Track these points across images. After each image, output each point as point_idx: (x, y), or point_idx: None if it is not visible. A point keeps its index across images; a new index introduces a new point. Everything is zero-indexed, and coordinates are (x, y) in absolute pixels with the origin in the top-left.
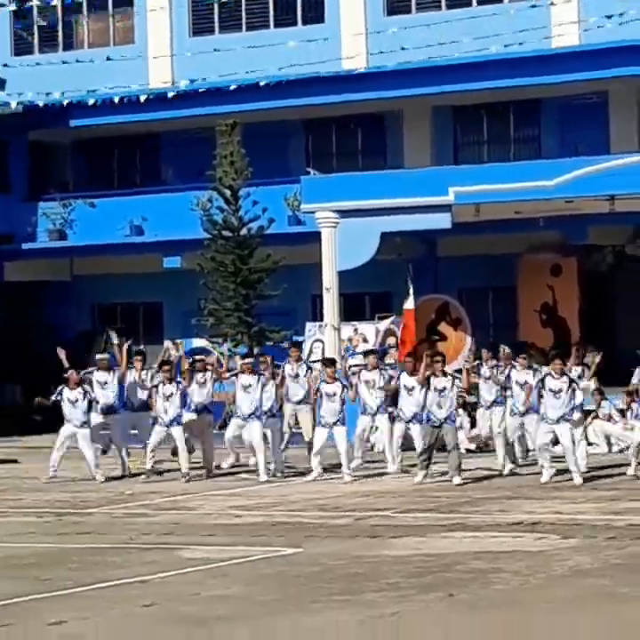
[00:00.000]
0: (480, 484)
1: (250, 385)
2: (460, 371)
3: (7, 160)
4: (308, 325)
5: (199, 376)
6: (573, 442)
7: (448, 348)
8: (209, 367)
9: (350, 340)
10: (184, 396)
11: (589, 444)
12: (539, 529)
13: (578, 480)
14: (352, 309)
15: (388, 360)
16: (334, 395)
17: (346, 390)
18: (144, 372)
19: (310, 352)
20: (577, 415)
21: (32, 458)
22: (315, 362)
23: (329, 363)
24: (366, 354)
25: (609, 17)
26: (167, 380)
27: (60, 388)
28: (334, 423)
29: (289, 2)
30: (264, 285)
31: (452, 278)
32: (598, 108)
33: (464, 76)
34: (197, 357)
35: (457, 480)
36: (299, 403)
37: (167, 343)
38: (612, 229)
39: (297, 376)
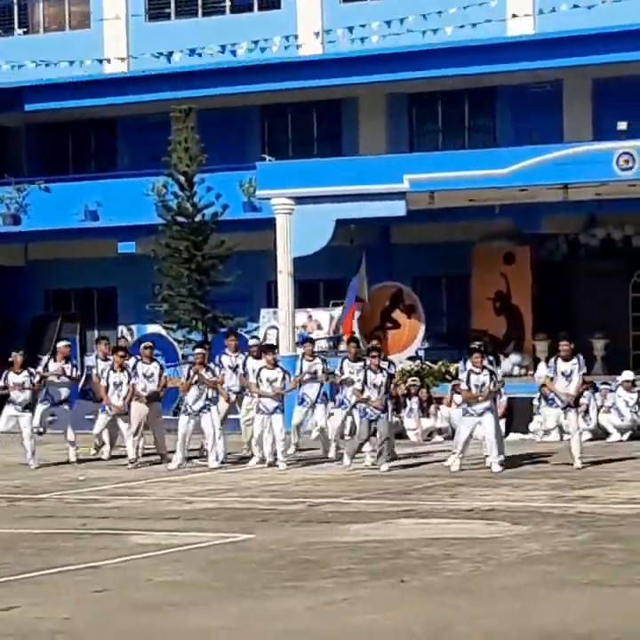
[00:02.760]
0: (432, 471)
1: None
2: (413, 357)
3: None
4: (263, 312)
5: (145, 368)
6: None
7: (401, 335)
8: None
9: (305, 326)
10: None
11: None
12: (490, 516)
13: (496, 468)
14: (306, 296)
15: (342, 348)
16: (275, 381)
17: (288, 377)
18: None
19: (264, 338)
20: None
21: None
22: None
23: (268, 349)
24: (303, 342)
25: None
26: (118, 368)
27: (5, 372)
28: (273, 411)
29: None
30: (218, 272)
31: (406, 266)
32: (552, 97)
33: (419, 63)
34: (145, 344)
35: (384, 467)
36: (237, 394)
37: (122, 328)
38: (566, 218)
39: (236, 367)
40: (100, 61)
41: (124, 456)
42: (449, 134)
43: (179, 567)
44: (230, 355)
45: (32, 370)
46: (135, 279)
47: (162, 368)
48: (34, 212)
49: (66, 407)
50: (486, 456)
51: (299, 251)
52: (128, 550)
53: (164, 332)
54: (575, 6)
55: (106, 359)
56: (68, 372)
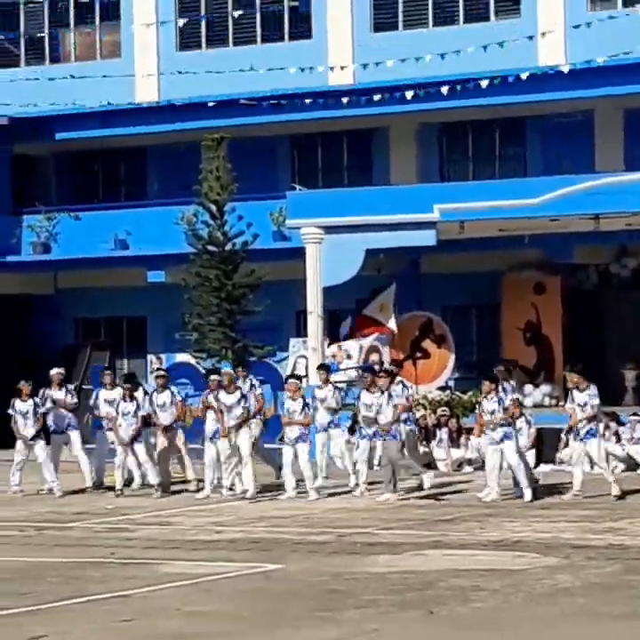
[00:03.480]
0: (461, 501)
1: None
2: (443, 387)
3: None
4: (292, 341)
5: (160, 397)
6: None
7: (431, 365)
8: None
9: (334, 356)
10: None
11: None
12: (519, 547)
13: (527, 497)
14: (336, 325)
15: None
16: (295, 412)
17: (307, 408)
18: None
19: (293, 368)
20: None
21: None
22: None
23: (293, 378)
24: (318, 368)
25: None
26: (128, 397)
27: (12, 400)
28: (297, 440)
29: (276, 17)
30: (248, 301)
31: (435, 295)
32: (584, 127)
33: (450, 93)
34: (158, 372)
35: (384, 496)
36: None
37: (151, 357)
38: (597, 248)
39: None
40: (130, 90)
41: (152, 485)
42: (479, 164)
43: (206, 597)
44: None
45: (37, 400)
46: (165, 308)
47: (173, 396)
48: (64, 241)
49: (72, 432)
50: (515, 486)
51: (328, 280)
52: (156, 580)
53: (193, 361)
54: (604, 41)
55: (111, 389)
56: (64, 399)
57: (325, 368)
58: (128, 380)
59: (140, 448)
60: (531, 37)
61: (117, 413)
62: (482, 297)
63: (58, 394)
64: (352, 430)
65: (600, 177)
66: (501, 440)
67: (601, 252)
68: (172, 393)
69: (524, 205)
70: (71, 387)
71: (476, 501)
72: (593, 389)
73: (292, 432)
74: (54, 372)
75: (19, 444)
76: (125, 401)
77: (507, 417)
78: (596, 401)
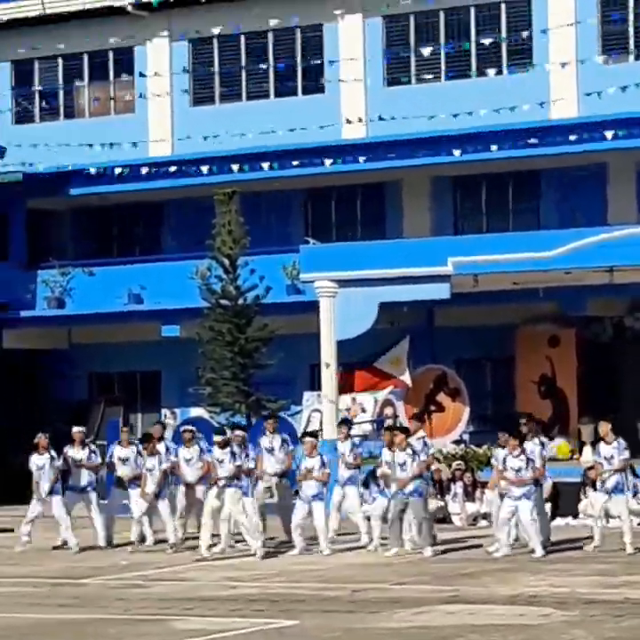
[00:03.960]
0: (476, 556)
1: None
2: (458, 441)
3: (6, 228)
4: (306, 395)
5: (186, 451)
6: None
7: (446, 418)
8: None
9: (348, 409)
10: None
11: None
12: (535, 602)
13: (539, 553)
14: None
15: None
16: (313, 469)
17: (324, 467)
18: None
19: (308, 422)
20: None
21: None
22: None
23: (309, 436)
24: (339, 424)
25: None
26: (150, 453)
27: (31, 455)
28: (313, 497)
29: (289, 72)
30: (261, 354)
31: (449, 349)
32: (597, 180)
33: (463, 146)
34: (184, 428)
35: (428, 552)
36: (275, 475)
37: (165, 412)
38: (611, 301)
39: (272, 449)
40: (143, 145)
41: (166, 540)
42: (493, 217)
43: None
44: (269, 437)
45: (53, 453)
46: (179, 362)
47: (202, 451)
48: (78, 296)
49: (91, 493)
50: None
51: (342, 334)
52: (171, 636)
53: (207, 416)
54: (616, 93)
55: (126, 446)
56: (87, 459)
57: (347, 423)
58: (146, 439)
59: (163, 505)
60: (542, 104)
61: (142, 469)
62: (496, 350)
63: (80, 453)
64: (366, 485)
65: (613, 229)
66: (519, 498)
67: (615, 305)
68: (201, 449)
69: (537, 258)
70: (94, 447)
71: (490, 556)
72: (622, 442)
73: (309, 489)
74: (76, 430)
75: (34, 499)
76: (150, 456)
77: (536, 475)
78: (627, 454)
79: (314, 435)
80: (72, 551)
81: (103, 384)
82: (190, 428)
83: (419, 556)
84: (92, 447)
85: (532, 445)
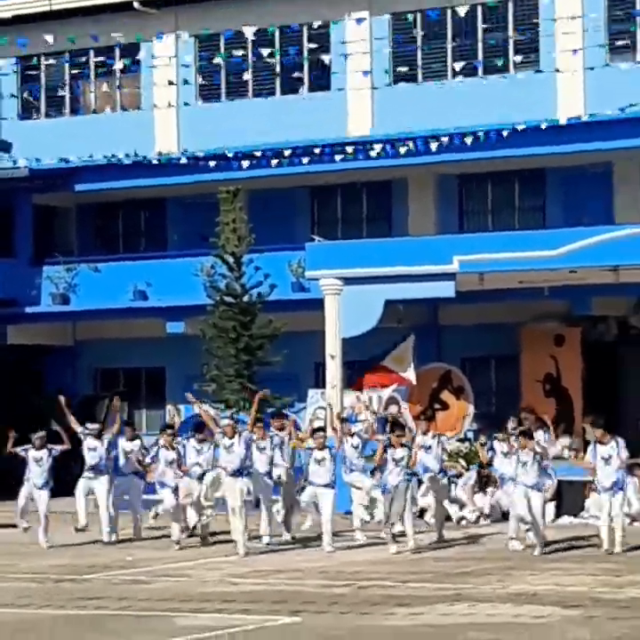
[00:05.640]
0: (480, 554)
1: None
2: (462, 439)
3: (12, 223)
4: (311, 392)
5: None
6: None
7: (450, 416)
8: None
9: (353, 407)
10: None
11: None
12: (539, 601)
13: (537, 551)
14: (354, 377)
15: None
16: (323, 460)
17: (333, 457)
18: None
19: (313, 419)
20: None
21: (31, 523)
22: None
23: (317, 431)
24: (342, 421)
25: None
26: (169, 446)
27: (27, 446)
28: (325, 485)
29: (295, 69)
30: (266, 352)
31: (454, 347)
32: (603, 179)
33: (469, 144)
34: (228, 421)
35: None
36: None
37: (170, 407)
38: (616, 300)
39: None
40: (149, 141)
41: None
42: (499, 215)
43: None
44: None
45: (51, 446)
46: (184, 359)
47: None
48: (83, 292)
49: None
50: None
51: (347, 331)
52: (173, 633)
53: (212, 412)
54: (622, 93)
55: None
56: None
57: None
58: (198, 429)
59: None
60: (548, 103)
61: (158, 461)
62: (501, 348)
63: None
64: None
65: (619, 229)
66: (531, 488)
67: (620, 304)
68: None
69: (543, 257)
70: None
71: (495, 554)
72: (620, 441)
73: (319, 479)
74: (91, 427)
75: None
76: (167, 450)
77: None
78: (625, 454)
79: (323, 429)
80: (78, 526)
81: (108, 380)
82: (230, 420)
83: (423, 554)
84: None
85: (538, 435)
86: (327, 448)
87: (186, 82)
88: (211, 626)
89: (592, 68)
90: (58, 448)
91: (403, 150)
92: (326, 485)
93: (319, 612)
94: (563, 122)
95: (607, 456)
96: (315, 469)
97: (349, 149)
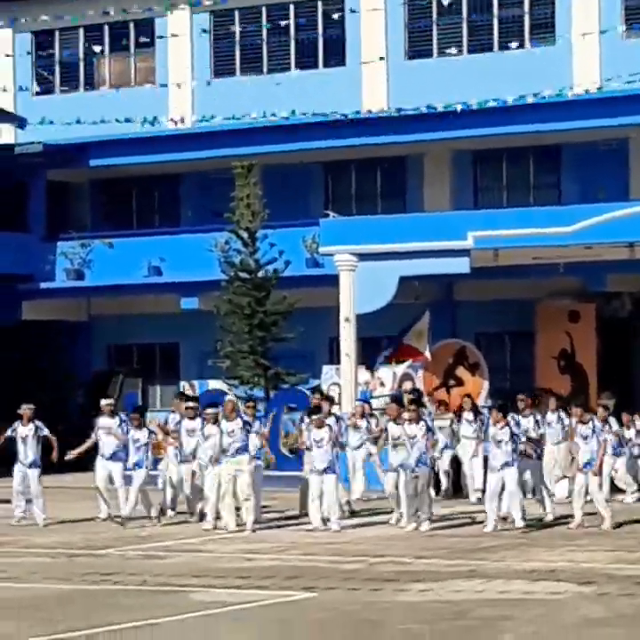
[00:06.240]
0: (493, 530)
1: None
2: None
3: (26, 200)
4: (325, 368)
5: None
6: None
7: (465, 392)
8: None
9: (367, 383)
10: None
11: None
12: (552, 577)
13: (520, 523)
14: (369, 353)
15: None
16: (322, 440)
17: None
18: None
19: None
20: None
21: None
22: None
23: (316, 410)
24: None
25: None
26: (191, 418)
27: (14, 424)
28: (324, 470)
29: (310, 44)
30: (280, 328)
31: (469, 323)
32: (618, 155)
33: (485, 120)
34: (228, 399)
35: (424, 526)
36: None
37: (184, 383)
38: (631, 276)
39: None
40: (163, 116)
41: (185, 512)
42: (513, 191)
43: (238, 625)
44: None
45: (39, 424)
46: (198, 335)
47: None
48: (97, 268)
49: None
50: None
51: (362, 307)
52: (188, 608)
53: (226, 388)
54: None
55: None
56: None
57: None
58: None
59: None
60: (564, 78)
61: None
62: (515, 324)
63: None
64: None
65: (634, 205)
66: (502, 467)
67: (635, 280)
68: (246, 422)
69: (558, 233)
70: (123, 416)
71: (508, 531)
72: (596, 423)
73: (320, 463)
74: (104, 403)
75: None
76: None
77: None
78: (603, 435)
79: (319, 409)
80: (13, 521)
81: (122, 356)
82: (232, 398)
83: (436, 531)
84: (123, 416)
85: (526, 422)
86: (327, 426)
87: (200, 57)
88: (226, 601)
89: (607, 44)
90: (46, 431)
91: (418, 126)
92: (326, 469)
93: (333, 588)
94: (578, 96)
95: (585, 435)
96: (316, 452)
97: (364, 125)
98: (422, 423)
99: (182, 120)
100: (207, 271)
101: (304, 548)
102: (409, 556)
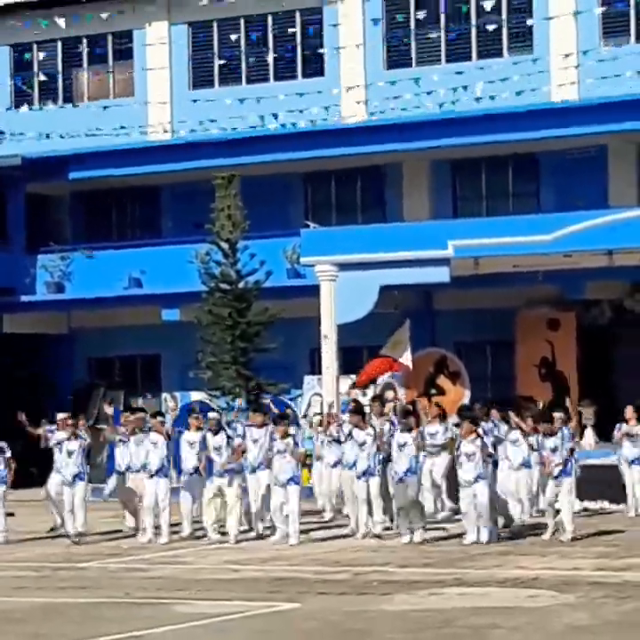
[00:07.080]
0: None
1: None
2: (458, 424)
3: (5, 212)
4: (307, 379)
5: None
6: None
7: (446, 401)
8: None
9: (348, 393)
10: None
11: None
12: (536, 585)
13: (484, 537)
14: (350, 362)
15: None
16: (285, 451)
17: (296, 447)
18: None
19: (308, 406)
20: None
21: (27, 511)
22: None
23: (280, 418)
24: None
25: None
26: (194, 429)
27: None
28: (287, 482)
29: (288, 55)
30: (262, 338)
31: (449, 332)
32: (597, 163)
33: (463, 129)
34: (211, 414)
35: (416, 537)
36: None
37: (165, 396)
38: (610, 284)
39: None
40: (142, 129)
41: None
42: (493, 200)
43: (222, 637)
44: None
45: (2, 443)
46: (179, 346)
47: (229, 438)
48: (77, 280)
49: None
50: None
51: (343, 317)
52: (171, 620)
53: (207, 400)
54: (616, 76)
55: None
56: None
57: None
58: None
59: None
60: (541, 87)
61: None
62: (496, 333)
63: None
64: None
65: (613, 212)
66: (475, 481)
67: (614, 288)
68: (228, 436)
69: (537, 242)
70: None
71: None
72: (565, 433)
73: (282, 474)
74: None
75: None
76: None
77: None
78: (570, 445)
79: (284, 417)
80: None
81: (103, 368)
82: (215, 415)
83: (443, 540)
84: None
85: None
86: (291, 437)
87: (179, 69)
88: (209, 613)
89: (586, 52)
90: (9, 453)
91: (396, 136)
92: (289, 481)
93: (318, 598)
94: (555, 104)
95: (553, 446)
96: (279, 463)
97: (343, 135)
98: (478, 440)
99: (162, 131)
100: (188, 282)
101: (288, 558)
102: (393, 565)
